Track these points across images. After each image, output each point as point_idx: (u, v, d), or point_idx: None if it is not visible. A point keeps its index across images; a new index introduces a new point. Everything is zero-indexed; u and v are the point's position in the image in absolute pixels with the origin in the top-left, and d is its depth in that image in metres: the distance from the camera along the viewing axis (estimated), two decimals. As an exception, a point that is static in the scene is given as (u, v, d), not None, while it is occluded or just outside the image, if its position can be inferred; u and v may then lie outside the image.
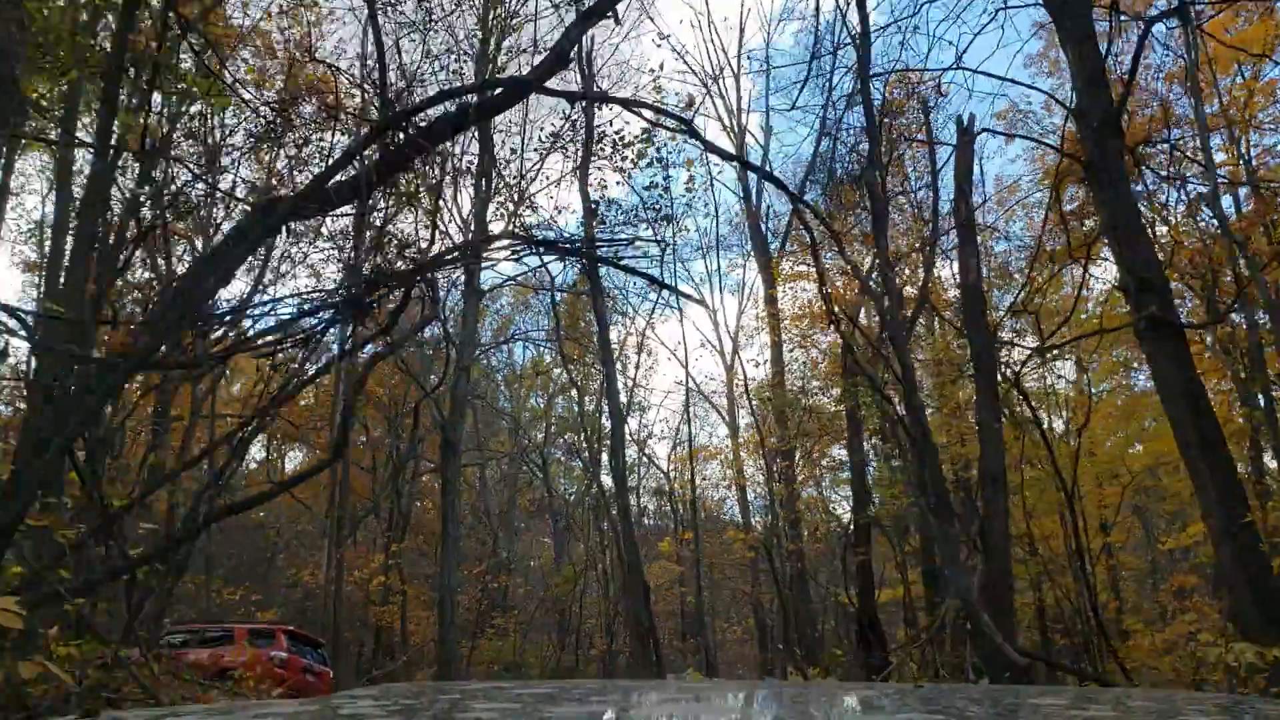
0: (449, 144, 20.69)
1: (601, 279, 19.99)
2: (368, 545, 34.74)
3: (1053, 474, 17.09)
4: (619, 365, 28.52)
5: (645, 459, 39.63)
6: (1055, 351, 17.09)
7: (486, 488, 42.39)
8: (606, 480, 25.83)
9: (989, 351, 15.92)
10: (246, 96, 17.05)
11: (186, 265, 23.31)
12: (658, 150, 21.61)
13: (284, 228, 9.07)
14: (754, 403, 25.95)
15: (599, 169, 21.26)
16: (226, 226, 22.55)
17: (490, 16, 22.55)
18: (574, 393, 38.45)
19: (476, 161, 22.75)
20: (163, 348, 7.06)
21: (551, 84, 8.05)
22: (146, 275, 23.08)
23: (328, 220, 19.16)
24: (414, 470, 32.41)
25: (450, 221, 24.29)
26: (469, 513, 40.66)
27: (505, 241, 9.74)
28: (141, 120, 12.38)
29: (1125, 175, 11.52)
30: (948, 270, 22.58)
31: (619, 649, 33.80)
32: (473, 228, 23.11)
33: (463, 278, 21.82)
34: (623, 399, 26.46)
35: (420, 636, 31.63)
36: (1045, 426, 17.05)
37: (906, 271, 21.22)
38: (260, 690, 11.28)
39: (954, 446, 19.87)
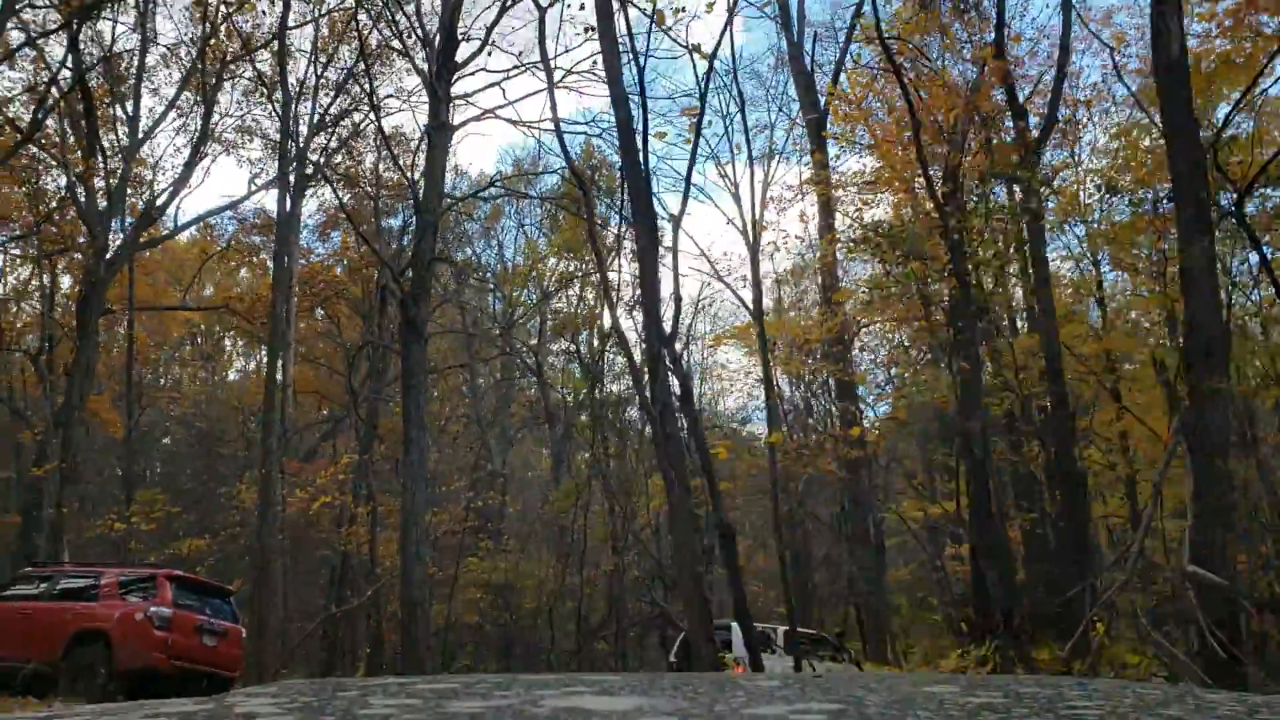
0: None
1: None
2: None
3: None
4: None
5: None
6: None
7: (477, 394, 37.65)
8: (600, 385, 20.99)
9: (1197, 165, 10.71)
10: None
11: None
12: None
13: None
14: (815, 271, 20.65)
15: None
16: None
17: None
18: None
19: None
20: None
21: None
22: None
23: None
24: (380, 367, 27.31)
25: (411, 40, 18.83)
26: (457, 423, 36.16)
27: None
28: None
29: None
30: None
31: (626, 566, 29.34)
32: (439, 45, 17.68)
33: (424, 109, 16.49)
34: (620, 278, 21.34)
35: (394, 561, 27.05)
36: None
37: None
38: None
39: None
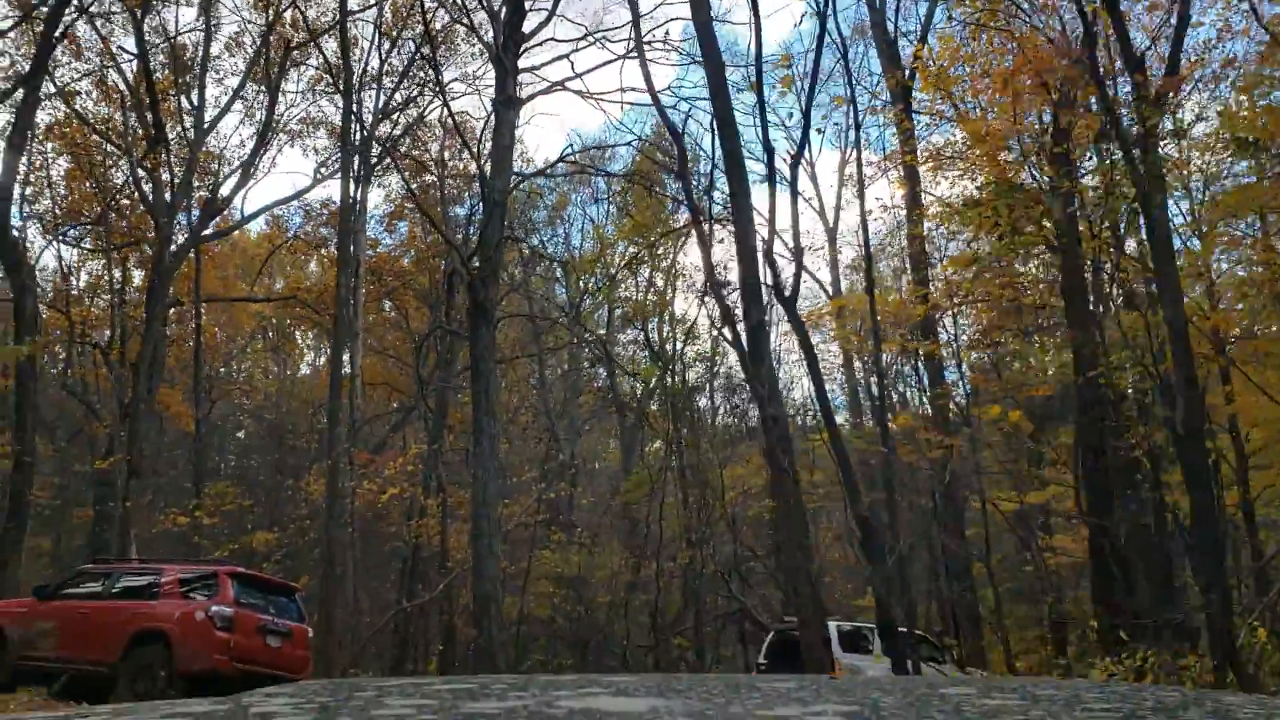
0: None
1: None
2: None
3: None
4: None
5: (719, 338, 33.46)
6: None
7: (545, 384, 36.96)
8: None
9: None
10: None
11: None
12: None
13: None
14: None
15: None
16: None
17: None
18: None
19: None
20: None
21: None
22: None
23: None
24: (448, 357, 26.68)
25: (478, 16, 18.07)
26: (526, 413, 35.56)
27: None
28: None
29: None
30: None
31: (703, 559, 28.41)
32: (505, 16, 16.92)
33: (490, 82, 15.73)
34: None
35: (465, 554, 26.47)
36: None
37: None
38: None
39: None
